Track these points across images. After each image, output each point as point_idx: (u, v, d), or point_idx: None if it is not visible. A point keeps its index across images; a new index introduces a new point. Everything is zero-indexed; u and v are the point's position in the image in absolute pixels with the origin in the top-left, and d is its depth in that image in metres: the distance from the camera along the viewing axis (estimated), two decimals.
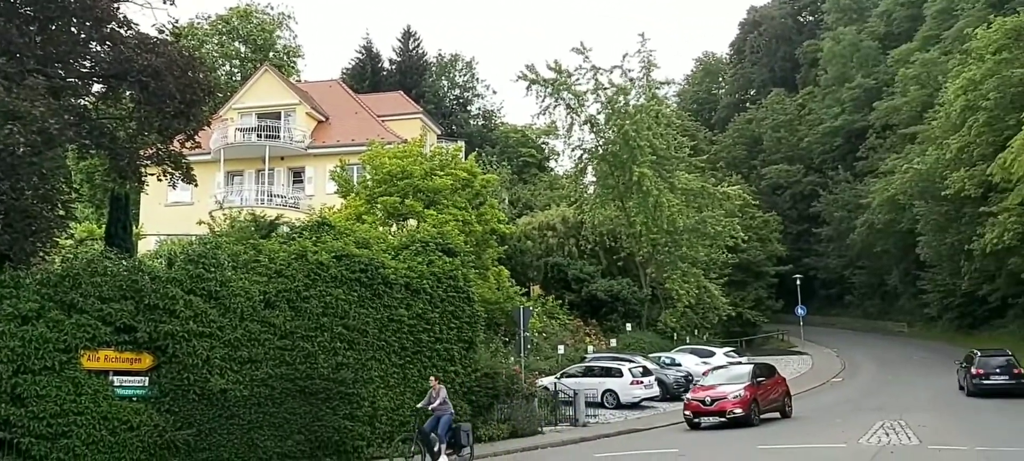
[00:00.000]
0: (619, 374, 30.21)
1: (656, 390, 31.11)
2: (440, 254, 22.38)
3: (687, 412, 24.66)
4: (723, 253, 53.53)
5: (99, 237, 26.92)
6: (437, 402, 18.80)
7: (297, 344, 18.99)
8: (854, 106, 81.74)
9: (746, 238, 55.79)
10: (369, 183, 32.95)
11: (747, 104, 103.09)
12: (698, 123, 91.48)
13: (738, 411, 23.62)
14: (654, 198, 44.68)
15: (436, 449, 18.56)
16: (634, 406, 29.83)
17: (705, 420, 24.20)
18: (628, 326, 44.80)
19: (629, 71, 48.28)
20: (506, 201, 54.24)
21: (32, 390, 15.77)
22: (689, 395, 25.79)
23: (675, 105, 74.22)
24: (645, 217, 45.51)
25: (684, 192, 49.21)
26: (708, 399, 24.25)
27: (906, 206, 59.18)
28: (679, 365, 35.43)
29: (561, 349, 35.27)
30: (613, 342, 40.77)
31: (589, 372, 30.43)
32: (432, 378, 19.41)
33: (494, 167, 54.93)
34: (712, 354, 39.05)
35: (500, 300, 33.39)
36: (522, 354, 27.28)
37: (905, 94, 68.12)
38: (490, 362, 23.74)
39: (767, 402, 25.17)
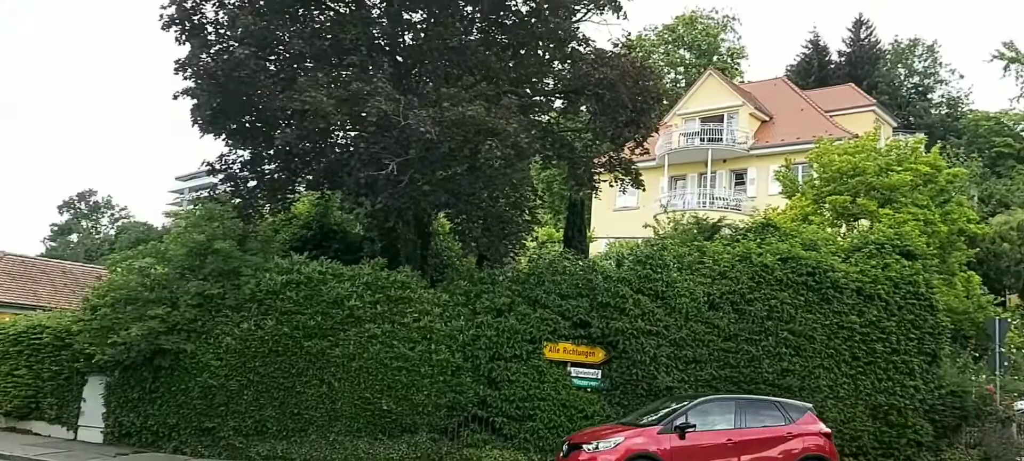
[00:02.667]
0: None
1: None
2: (897, 257, 20.57)
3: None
4: None
5: (557, 240, 29.50)
6: None
7: (741, 346, 18.86)
8: None
9: None
10: (816, 182, 31.62)
11: None
12: None
13: None
14: None
15: None
16: None
17: None
18: None
19: None
20: (976, 198, 48.19)
21: (504, 375, 17.83)
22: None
23: None
24: None
25: None
26: (566, 447, 15.46)
27: None
28: None
29: None
30: None
31: None
32: None
33: (961, 160, 49.11)
34: None
35: (969, 309, 29.79)
36: (997, 372, 23.91)
37: None
38: (957, 379, 21.20)
39: None
